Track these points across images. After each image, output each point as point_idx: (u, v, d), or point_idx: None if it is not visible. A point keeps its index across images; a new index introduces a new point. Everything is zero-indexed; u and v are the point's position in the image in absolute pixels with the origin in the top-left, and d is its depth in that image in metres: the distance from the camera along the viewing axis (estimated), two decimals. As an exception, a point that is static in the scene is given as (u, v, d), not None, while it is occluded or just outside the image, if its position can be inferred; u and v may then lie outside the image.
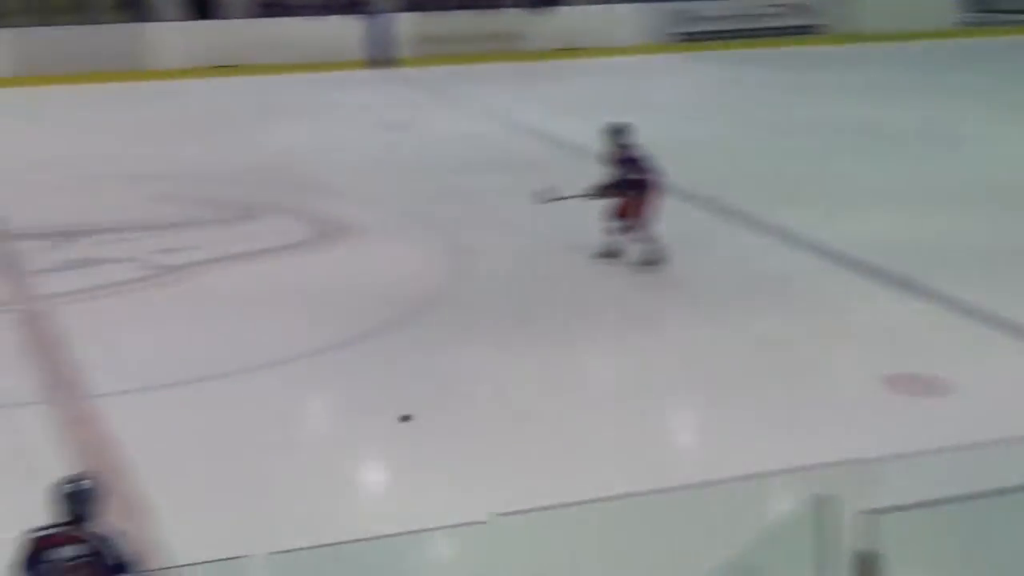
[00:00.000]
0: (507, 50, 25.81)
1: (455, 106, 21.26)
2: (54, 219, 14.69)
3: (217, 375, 10.43)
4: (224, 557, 6.10)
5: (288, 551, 6.05)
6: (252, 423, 9.60)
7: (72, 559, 5.45)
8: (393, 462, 9.18)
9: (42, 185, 16.30)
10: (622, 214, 12.68)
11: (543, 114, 20.33)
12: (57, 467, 8.36)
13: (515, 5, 26.44)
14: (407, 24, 25.40)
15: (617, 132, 12.63)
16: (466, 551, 6.45)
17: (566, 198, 12.90)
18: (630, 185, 12.48)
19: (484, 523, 6.08)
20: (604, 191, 12.62)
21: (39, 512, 6.90)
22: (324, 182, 16.27)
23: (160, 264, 13.23)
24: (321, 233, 14.30)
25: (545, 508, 6.32)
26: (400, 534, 6.85)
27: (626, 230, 12.70)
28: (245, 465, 8.84)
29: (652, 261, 12.67)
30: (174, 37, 24.13)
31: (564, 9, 26.89)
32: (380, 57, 25.05)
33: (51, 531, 5.55)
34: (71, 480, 5.75)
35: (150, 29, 24.06)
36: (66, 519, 5.57)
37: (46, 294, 12.40)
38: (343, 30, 24.91)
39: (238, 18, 24.91)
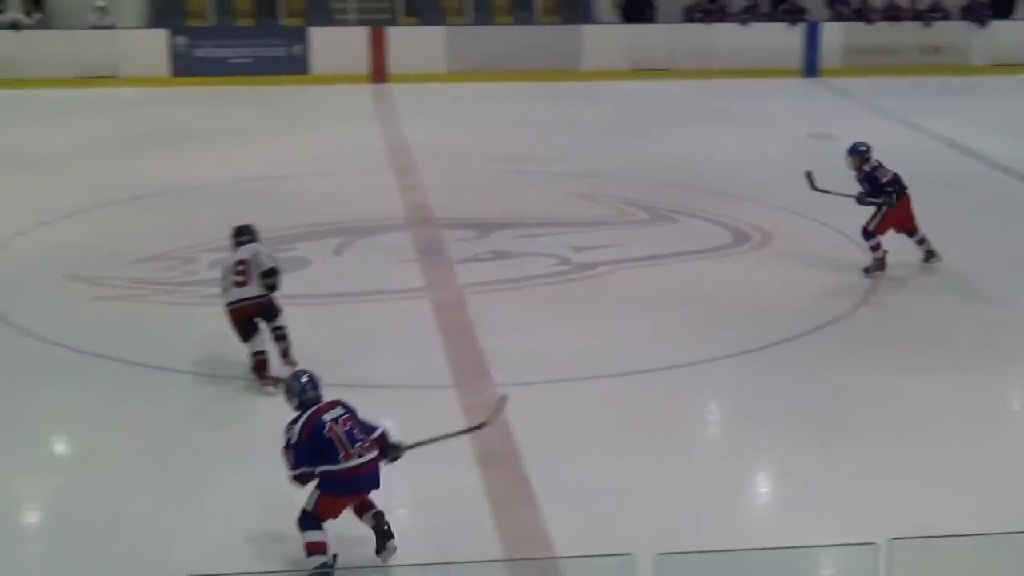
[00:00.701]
0: (938, 63, 24.83)
1: (882, 118, 20.57)
2: (478, 211, 15.13)
3: (618, 373, 10.48)
4: (607, 553, 6.08)
5: (670, 553, 5.95)
6: (646, 423, 9.58)
7: (340, 415, 7.52)
8: (789, 474, 8.96)
9: (469, 178, 16.84)
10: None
11: (973, 130, 19.39)
12: (456, 449, 8.64)
13: (946, 18, 25.40)
14: (837, 34, 24.86)
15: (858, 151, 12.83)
16: (856, 572, 6.18)
17: (832, 192, 13.10)
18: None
19: (874, 544, 5.82)
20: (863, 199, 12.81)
21: (444, 487, 7.08)
22: (744, 189, 16.06)
23: (575, 261, 13.41)
24: (736, 239, 14.12)
25: (947, 536, 5.99)
26: (786, 548, 6.65)
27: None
28: (632, 465, 8.83)
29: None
30: (609, 39, 24.50)
31: (1005, 24, 25.58)
32: (811, 66, 24.64)
33: (322, 402, 7.62)
34: (303, 372, 7.86)
35: (586, 31, 24.53)
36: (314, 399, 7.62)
37: (464, 282, 12.79)
38: (776, 38, 24.62)
39: (672, 23, 25.04)
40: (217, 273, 12.20)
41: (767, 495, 8.95)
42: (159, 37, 23.66)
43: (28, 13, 23.27)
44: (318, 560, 7.34)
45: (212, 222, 14.52)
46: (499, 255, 13.65)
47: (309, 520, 7.39)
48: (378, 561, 7.42)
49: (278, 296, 10.34)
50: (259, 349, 10.09)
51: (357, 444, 7.42)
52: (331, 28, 24.61)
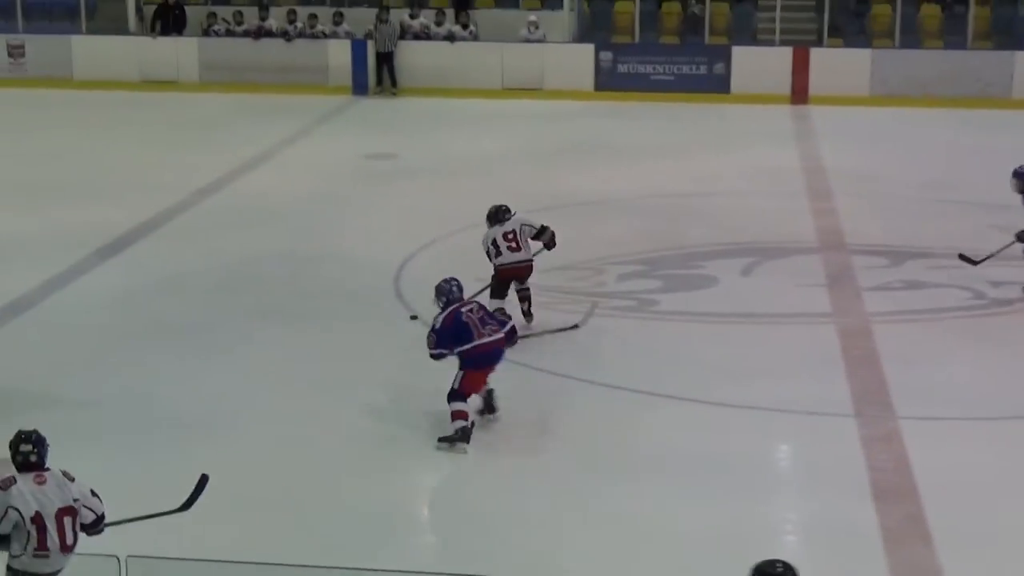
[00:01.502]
0: None
1: None
2: (892, 238, 14.77)
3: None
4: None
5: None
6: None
7: (474, 307, 9.71)
8: None
9: (885, 204, 16.45)
10: None
11: None
12: (851, 482, 8.48)
13: None
14: None
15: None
16: None
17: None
18: None
19: None
20: None
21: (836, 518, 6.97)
22: None
23: (990, 296, 12.90)
24: None
25: None
26: None
27: None
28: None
29: None
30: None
31: None
32: None
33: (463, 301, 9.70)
34: (452, 278, 9.82)
35: (1019, 58, 23.47)
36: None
37: (872, 311, 12.52)
38: None
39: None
40: (626, 286, 12.46)
41: None
42: (586, 52, 24.27)
43: (464, 26, 24.37)
44: (460, 424, 9.40)
45: (624, 236, 14.84)
46: (911, 285, 13.29)
47: (456, 395, 9.47)
48: None
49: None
50: (501, 307, 11.49)
51: (487, 327, 9.56)
52: (754, 47, 24.58)
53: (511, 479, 9.17)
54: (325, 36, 24.45)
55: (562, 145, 19.95)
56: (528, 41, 24.17)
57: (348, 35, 24.45)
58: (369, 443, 9.69)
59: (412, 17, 24.53)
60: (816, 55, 23.82)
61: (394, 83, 24.02)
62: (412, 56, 24.12)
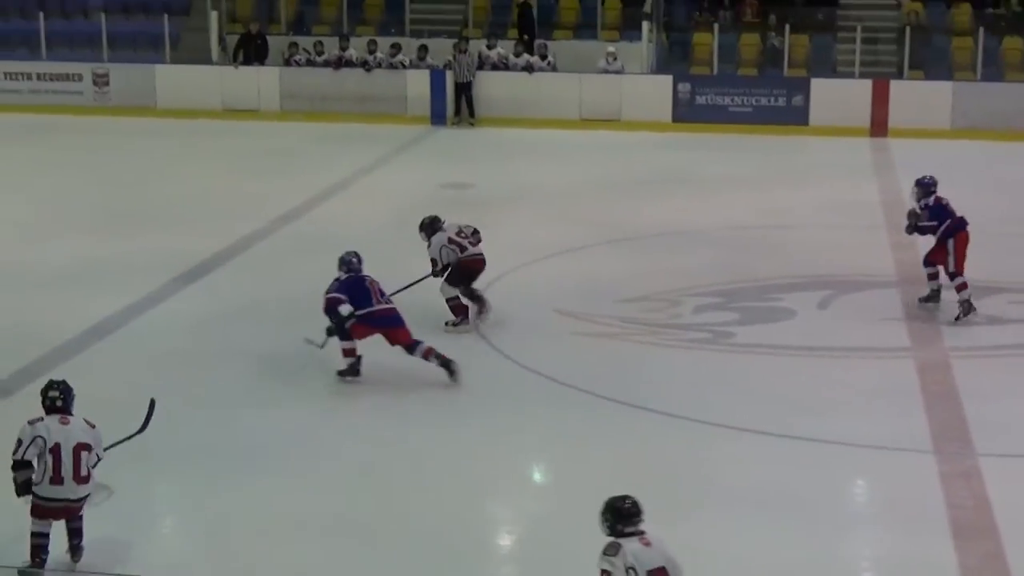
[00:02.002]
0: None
1: None
2: (971, 273, 14.55)
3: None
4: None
5: None
6: None
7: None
8: None
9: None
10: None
11: None
12: (930, 518, 8.36)
13: None
14: None
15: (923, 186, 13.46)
16: None
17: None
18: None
19: None
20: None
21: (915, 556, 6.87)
22: None
23: (1073, 332, 12.70)
24: None
25: None
26: None
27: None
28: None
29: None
30: None
31: None
32: None
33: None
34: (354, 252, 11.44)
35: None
36: None
37: (951, 346, 12.37)
38: None
39: None
40: (702, 318, 12.43)
41: None
42: (664, 83, 24.26)
43: (543, 57, 24.45)
44: (350, 360, 11.25)
45: (700, 267, 14.78)
46: (991, 320, 13.11)
47: (343, 332, 11.16)
48: None
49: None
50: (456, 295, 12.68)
51: (384, 296, 11.25)
52: (834, 80, 24.46)
53: (590, 513, 9.13)
54: (404, 66, 24.65)
55: (639, 176, 19.93)
56: (606, 72, 24.21)
57: (427, 65, 24.62)
58: (439, 470, 9.71)
59: (490, 47, 24.66)
60: (896, 87, 23.65)
61: (472, 113, 24.15)
62: (490, 86, 24.24)
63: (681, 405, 10.82)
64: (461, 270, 12.64)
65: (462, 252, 12.60)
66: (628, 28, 25.69)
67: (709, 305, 13.62)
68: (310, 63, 25.14)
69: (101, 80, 25.40)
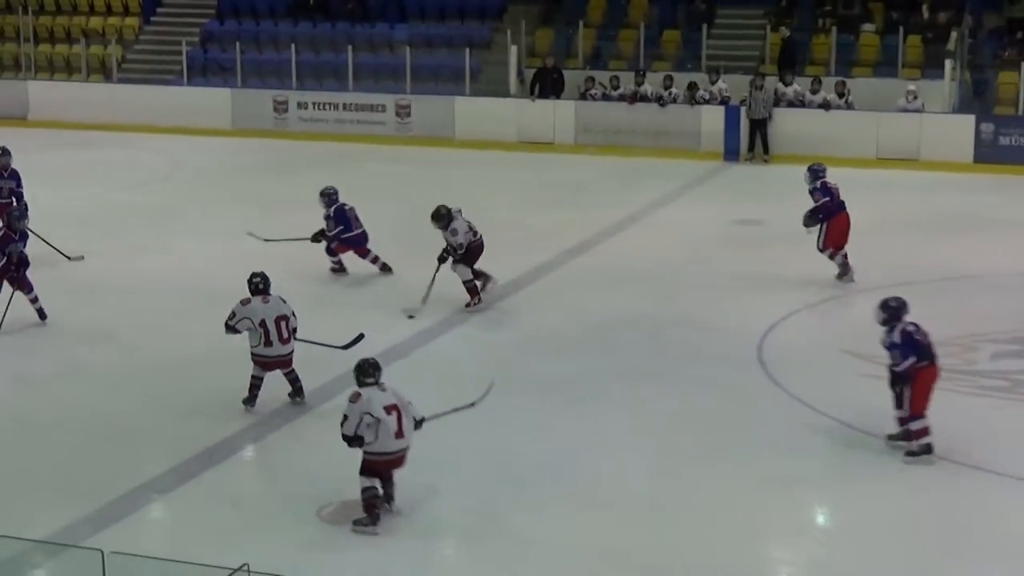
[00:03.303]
0: None
1: None
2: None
3: None
4: None
5: None
6: None
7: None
8: None
9: None
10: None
11: None
12: None
13: None
14: None
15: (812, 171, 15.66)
16: None
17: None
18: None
19: None
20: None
21: None
22: None
23: None
24: None
25: None
26: None
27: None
28: None
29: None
30: None
31: None
32: None
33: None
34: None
35: None
36: None
37: None
38: None
39: None
40: (999, 365, 12.07)
41: None
42: (966, 123, 23.54)
43: (840, 95, 24.08)
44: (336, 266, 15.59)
45: (999, 313, 14.28)
46: None
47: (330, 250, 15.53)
48: None
49: None
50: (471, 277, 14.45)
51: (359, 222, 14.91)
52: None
53: (874, 560, 8.96)
54: (700, 102, 24.66)
55: (936, 217, 19.39)
56: (905, 111, 23.66)
57: (722, 101, 24.57)
58: (718, 509, 9.67)
59: (787, 84, 24.43)
60: None
61: (766, 150, 23.95)
62: (785, 123, 24.00)
63: (973, 454, 10.49)
64: (470, 253, 14.36)
65: (475, 237, 14.38)
66: (930, 66, 25.04)
67: (1007, 352, 13.16)
68: (605, 97, 25.42)
69: (403, 111, 26.30)
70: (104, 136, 26.39)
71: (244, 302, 11.39)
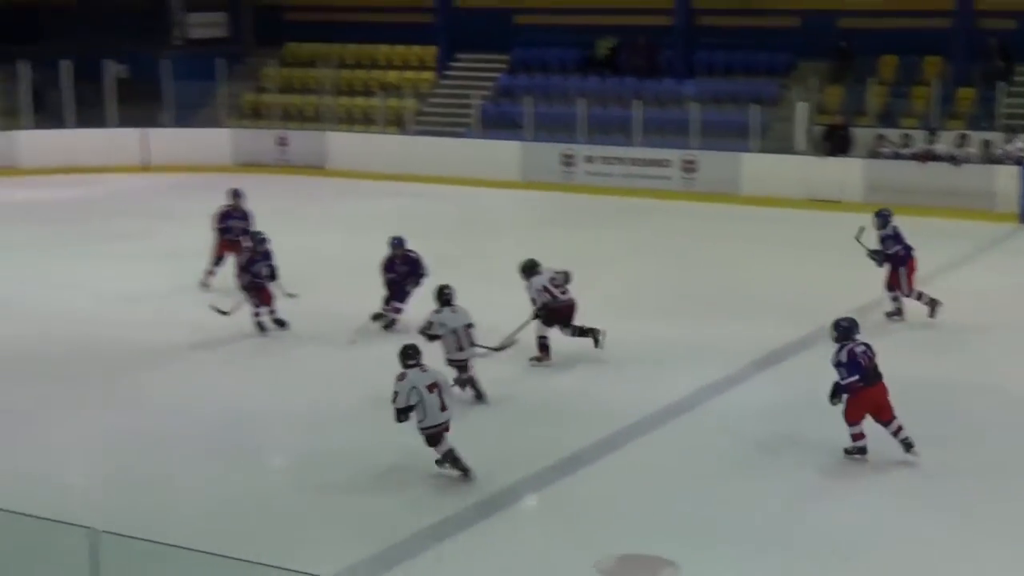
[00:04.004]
0: None
1: None
2: None
3: None
4: None
5: None
6: None
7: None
8: None
9: None
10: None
11: None
12: None
13: None
14: None
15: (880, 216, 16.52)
16: None
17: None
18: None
19: None
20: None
21: None
22: None
23: None
24: None
25: None
26: None
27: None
28: None
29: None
30: None
31: None
32: None
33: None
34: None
35: None
36: None
37: None
38: None
39: None
40: None
41: None
42: None
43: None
44: None
45: None
46: None
47: None
48: None
49: None
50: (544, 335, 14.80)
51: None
52: None
53: None
54: (995, 162, 23.94)
55: None
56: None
57: (1018, 161, 23.76)
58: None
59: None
60: None
61: (1065, 212, 23.07)
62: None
63: None
64: (551, 314, 14.63)
65: (553, 300, 14.60)
66: None
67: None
68: (896, 156, 24.92)
69: (689, 166, 26.37)
70: (398, 186, 27.31)
71: (439, 311, 13.26)
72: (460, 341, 13.08)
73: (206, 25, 33.47)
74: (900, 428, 11.65)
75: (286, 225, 19.72)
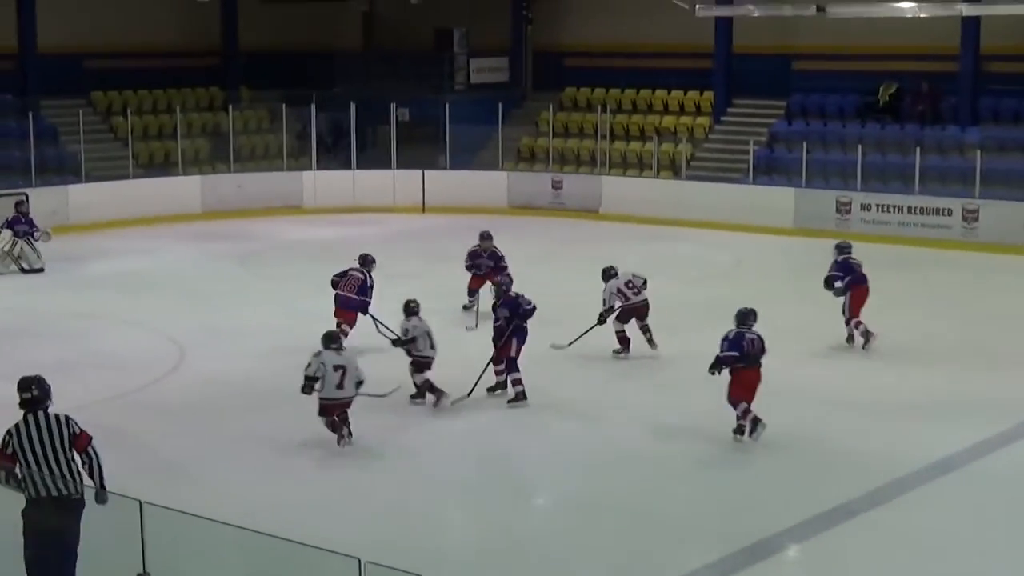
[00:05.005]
0: None
1: None
2: None
3: None
4: None
5: None
6: None
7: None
8: None
9: None
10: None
11: None
12: None
13: None
14: None
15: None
16: None
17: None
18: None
19: None
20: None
21: None
22: None
23: None
24: None
25: None
26: None
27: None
28: None
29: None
30: None
31: None
32: None
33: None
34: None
35: None
36: None
37: None
38: None
39: None
40: None
41: None
42: None
43: None
44: None
45: None
46: None
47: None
48: None
49: None
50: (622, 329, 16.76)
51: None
52: None
53: None
54: None
55: None
56: None
57: None
58: None
59: None
60: None
61: None
62: None
63: None
64: (625, 312, 16.61)
65: (626, 301, 16.52)
66: None
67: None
68: None
69: (971, 215, 25.56)
70: (671, 231, 27.31)
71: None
72: (432, 340, 14.59)
73: (488, 70, 34.26)
74: (749, 412, 13.10)
75: (558, 266, 19.78)
